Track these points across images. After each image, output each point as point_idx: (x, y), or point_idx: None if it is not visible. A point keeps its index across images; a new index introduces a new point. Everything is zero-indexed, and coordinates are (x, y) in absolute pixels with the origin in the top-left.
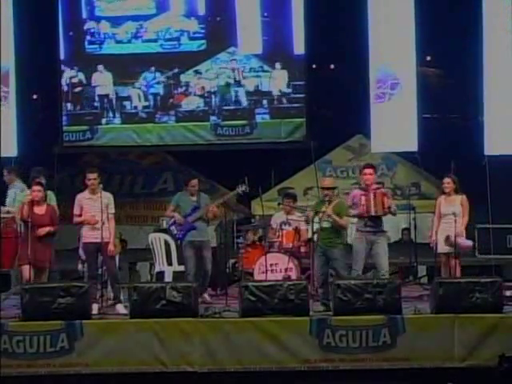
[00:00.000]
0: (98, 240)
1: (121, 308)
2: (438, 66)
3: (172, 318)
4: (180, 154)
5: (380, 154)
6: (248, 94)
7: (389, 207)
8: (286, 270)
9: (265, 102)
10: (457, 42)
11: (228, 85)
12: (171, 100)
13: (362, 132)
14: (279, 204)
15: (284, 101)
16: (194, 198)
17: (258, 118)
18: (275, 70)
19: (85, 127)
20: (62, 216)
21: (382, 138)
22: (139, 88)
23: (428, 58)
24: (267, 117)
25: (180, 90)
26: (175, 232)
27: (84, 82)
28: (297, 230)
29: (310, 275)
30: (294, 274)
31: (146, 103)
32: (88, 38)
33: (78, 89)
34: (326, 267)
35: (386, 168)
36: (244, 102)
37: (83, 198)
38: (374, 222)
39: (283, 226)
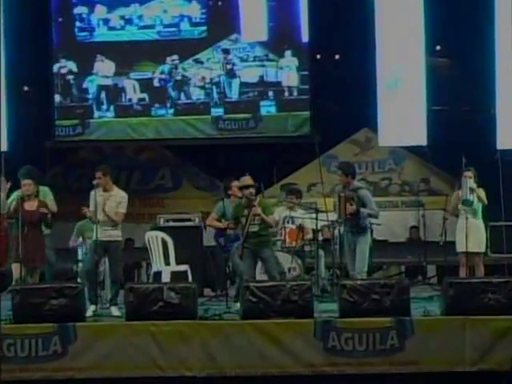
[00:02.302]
0: (107, 238)
1: (116, 310)
2: (448, 56)
3: (170, 320)
4: (178, 148)
5: (387, 148)
6: (250, 85)
7: (351, 213)
8: (288, 269)
9: (270, 93)
10: (468, 31)
11: (201, 79)
12: (169, 91)
13: (368, 125)
14: (282, 201)
15: (293, 92)
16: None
17: (263, 111)
18: (283, 59)
19: (75, 121)
20: (54, 214)
21: (389, 131)
22: (134, 79)
23: (437, 48)
24: (273, 109)
25: (178, 80)
26: (223, 243)
27: (75, 71)
28: (300, 228)
29: (315, 275)
30: (297, 274)
31: (142, 95)
32: (78, 24)
33: (68, 79)
34: (254, 269)
35: (394, 163)
36: (235, 94)
37: (96, 195)
38: (350, 222)
39: (286, 223)
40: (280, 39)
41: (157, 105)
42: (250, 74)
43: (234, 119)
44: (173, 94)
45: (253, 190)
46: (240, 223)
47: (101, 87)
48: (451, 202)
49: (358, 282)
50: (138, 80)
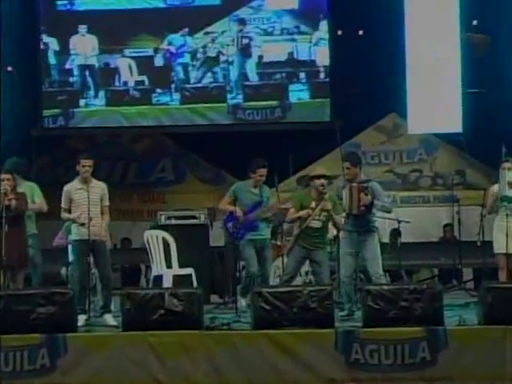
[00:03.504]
0: (94, 237)
1: (110, 319)
2: (487, 32)
3: (172, 331)
4: (181, 136)
5: (418, 137)
6: (277, 64)
7: (365, 205)
8: (306, 273)
9: (302, 75)
10: (508, 3)
11: (215, 58)
12: (174, 73)
13: (396, 110)
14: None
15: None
16: (257, 191)
17: (293, 97)
18: (318, 32)
19: (57, 111)
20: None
21: (420, 117)
22: (130, 57)
23: (474, 23)
24: (305, 95)
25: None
26: (232, 230)
27: (56, 49)
28: None
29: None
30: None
31: (140, 78)
32: None
33: (48, 59)
34: (297, 271)
35: (425, 153)
36: (254, 77)
37: (73, 189)
38: (356, 220)
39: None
40: (314, 7)
41: (159, 90)
42: (275, 50)
43: (256, 108)
44: (179, 75)
45: (325, 182)
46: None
47: (83, 68)
48: (489, 197)
49: (385, 288)
50: (134, 58)
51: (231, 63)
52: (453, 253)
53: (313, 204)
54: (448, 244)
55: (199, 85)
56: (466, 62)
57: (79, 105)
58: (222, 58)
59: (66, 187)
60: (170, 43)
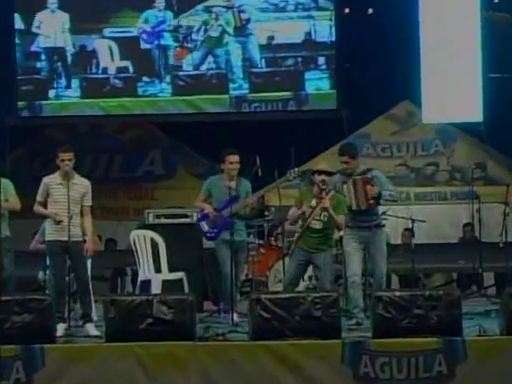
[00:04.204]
0: (66, 238)
1: (92, 328)
2: (509, 10)
3: (161, 341)
4: (172, 125)
5: (434, 126)
6: (291, 47)
7: (374, 198)
8: (309, 278)
9: (321, 59)
10: None
11: (221, 37)
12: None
13: (409, 97)
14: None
15: None
16: (232, 184)
17: (310, 87)
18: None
19: (21, 103)
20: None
21: (435, 104)
22: (111, 38)
23: (496, 0)
24: (325, 84)
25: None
26: (206, 229)
27: (21, 28)
28: None
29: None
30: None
31: (124, 63)
32: None
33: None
34: (299, 278)
35: (442, 144)
36: (261, 63)
37: (53, 183)
38: (363, 215)
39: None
40: None
41: (146, 78)
42: (289, 30)
43: (265, 100)
44: (171, 60)
45: (326, 178)
46: (302, 214)
47: (51, 51)
48: None
49: (397, 294)
50: (116, 40)
51: (231, 45)
52: (472, 255)
53: (313, 202)
54: (467, 245)
55: (195, 72)
56: (487, 44)
57: (48, 96)
58: (225, 39)
59: (46, 179)
60: (153, 26)
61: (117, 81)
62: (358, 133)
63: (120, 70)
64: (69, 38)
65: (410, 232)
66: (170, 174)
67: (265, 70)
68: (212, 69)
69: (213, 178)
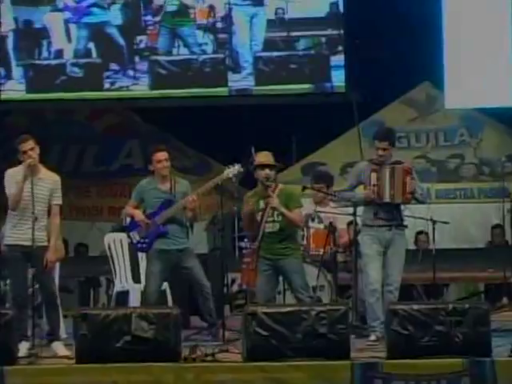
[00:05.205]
0: (29, 243)
1: (60, 348)
2: None
3: (141, 363)
4: (153, 112)
5: (458, 112)
6: (311, 25)
7: (411, 192)
8: (313, 288)
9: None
10: None
11: (183, 10)
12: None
13: (430, 78)
14: (304, 189)
15: None
16: (165, 186)
17: (336, 78)
18: None
19: None
20: None
21: (460, 87)
22: (68, 11)
23: None
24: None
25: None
26: (136, 239)
27: None
28: (331, 229)
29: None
30: (326, 295)
31: (85, 45)
32: None
33: None
34: (274, 290)
35: (468, 133)
36: (268, 46)
37: (18, 176)
38: (388, 212)
39: (310, 222)
40: None
41: (115, 66)
42: (308, 4)
43: (276, 95)
44: (148, 41)
45: (270, 173)
46: (255, 220)
47: None
48: None
49: (415, 307)
50: (74, 13)
51: (228, 22)
52: (503, 262)
53: (261, 204)
54: (497, 251)
55: (182, 57)
56: None
57: None
58: (219, 13)
59: (9, 172)
60: None
61: (76, 69)
62: (369, 120)
63: (80, 54)
64: (9, 11)
65: (425, 235)
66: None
67: (276, 54)
68: (201, 54)
69: (144, 181)
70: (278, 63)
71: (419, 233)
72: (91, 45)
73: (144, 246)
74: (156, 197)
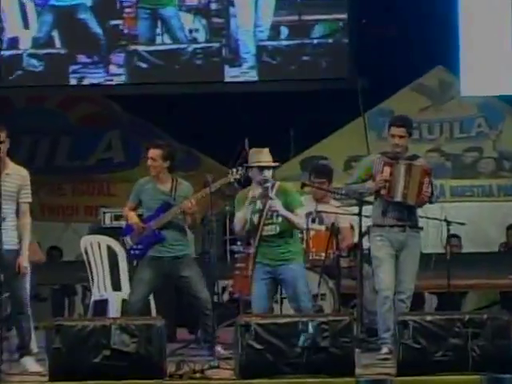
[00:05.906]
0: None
1: (31, 363)
2: None
3: (121, 380)
4: (134, 100)
5: (475, 100)
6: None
7: (429, 196)
8: (314, 297)
9: None
10: None
11: None
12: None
13: (443, 63)
14: (303, 185)
15: None
16: (165, 187)
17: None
18: None
19: None
20: None
21: (477, 73)
22: None
23: None
24: None
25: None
26: (130, 244)
27: None
28: (333, 230)
29: (357, 306)
30: (328, 305)
31: (47, 32)
32: None
33: None
34: (271, 300)
35: (486, 124)
36: (275, 33)
37: None
38: (398, 211)
39: (310, 223)
40: None
41: (83, 58)
42: None
43: None
44: (125, 27)
45: (268, 174)
46: (251, 223)
47: None
48: None
49: (428, 318)
50: None
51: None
52: None
53: (258, 204)
54: None
55: (169, 47)
56: None
57: None
58: None
59: None
60: None
61: (34, 61)
62: (377, 108)
63: (40, 43)
64: None
65: (458, 239)
66: (132, 162)
67: (285, 43)
68: (191, 42)
69: (142, 179)
70: (286, 54)
71: (452, 236)
72: (55, 32)
73: (137, 252)
74: (154, 198)
